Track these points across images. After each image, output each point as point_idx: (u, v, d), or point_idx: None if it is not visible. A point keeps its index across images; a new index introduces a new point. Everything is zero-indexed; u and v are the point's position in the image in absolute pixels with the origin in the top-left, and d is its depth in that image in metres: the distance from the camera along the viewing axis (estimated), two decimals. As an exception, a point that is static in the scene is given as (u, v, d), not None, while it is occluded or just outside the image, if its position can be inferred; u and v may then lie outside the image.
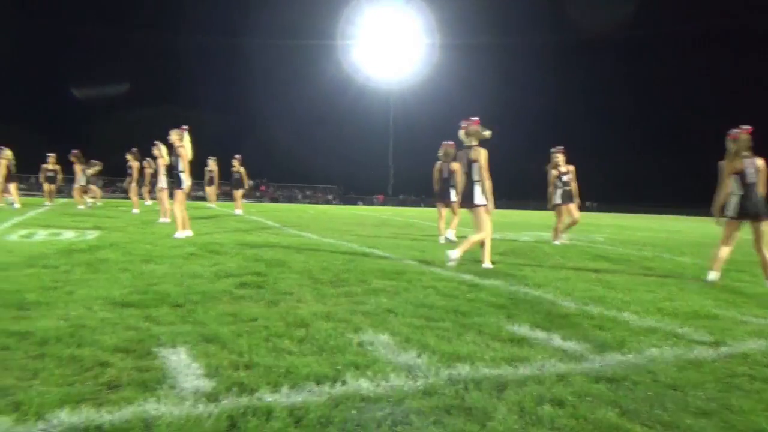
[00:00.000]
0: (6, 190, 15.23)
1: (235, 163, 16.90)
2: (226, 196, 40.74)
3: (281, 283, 4.38)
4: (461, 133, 6.07)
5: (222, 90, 58.72)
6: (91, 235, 7.57)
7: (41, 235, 7.35)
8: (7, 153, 14.95)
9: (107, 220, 10.76)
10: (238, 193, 17.06)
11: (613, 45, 57.17)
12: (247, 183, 17.68)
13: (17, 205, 14.43)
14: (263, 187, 49.91)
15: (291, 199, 49.27)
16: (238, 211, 16.17)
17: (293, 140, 57.45)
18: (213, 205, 19.55)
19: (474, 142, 5.98)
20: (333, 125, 56.84)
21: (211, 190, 19.99)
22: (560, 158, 9.18)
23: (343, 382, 2.23)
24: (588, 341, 3.02)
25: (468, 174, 6.02)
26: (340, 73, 52.93)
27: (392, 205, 47.41)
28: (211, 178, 19.31)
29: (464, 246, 5.89)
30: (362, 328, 3.06)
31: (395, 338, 2.88)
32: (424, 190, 56.27)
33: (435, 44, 51.43)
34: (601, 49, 56.15)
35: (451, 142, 8.43)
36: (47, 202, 17.35)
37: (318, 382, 2.22)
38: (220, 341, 2.70)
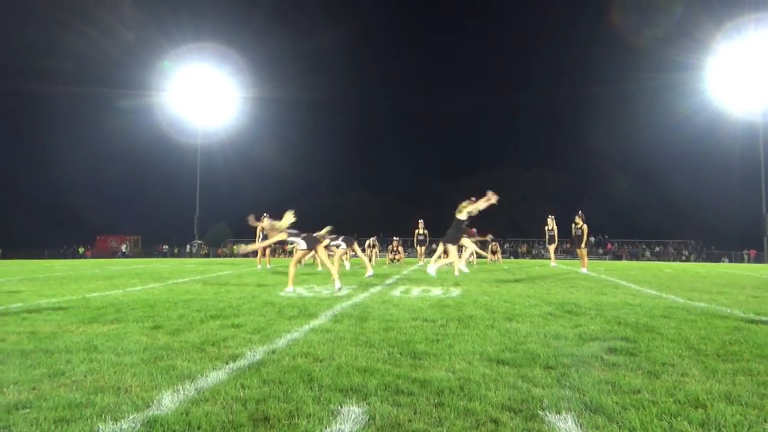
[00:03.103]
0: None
1: (578, 220, 16.57)
2: (566, 253, 40.32)
3: (656, 351, 3.96)
4: None
5: (557, 146, 59.60)
6: (455, 292, 8.34)
7: (416, 291, 8.46)
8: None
9: (464, 277, 11.75)
10: (583, 251, 16.58)
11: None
12: (586, 240, 17.07)
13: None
14: (609, 245, 47.53)
15: (637, 257, 45.49)
16: (584, 270, 15.67)
17: (636, 191, 53.70)
18: (554, 264, 19.47)
19: None
20: (686, 170, 51.01)
21: (551, 248, 20.02)
22: None
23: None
24: None
25: None
26: (692, 109, 47.46)
27: (771, 262, 39.04)
28: (552, 236, 19.37)
29: None
30: (782, 419, 2.48)
31: (839, 439, 2.25)
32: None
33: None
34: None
35: None
36: (420, 262, 20.23)
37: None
38: (606, 413, 2.55)
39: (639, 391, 2.91)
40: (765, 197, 43.56)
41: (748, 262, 42.07)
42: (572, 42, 58.88)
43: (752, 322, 5.55)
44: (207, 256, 45.97)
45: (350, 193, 62.95)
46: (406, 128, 66.92)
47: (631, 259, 42.80)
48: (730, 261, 42.77)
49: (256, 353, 3.84)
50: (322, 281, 10.52)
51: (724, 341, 4.40)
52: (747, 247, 45.46)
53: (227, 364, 3.54)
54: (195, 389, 2.95)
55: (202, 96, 49.31)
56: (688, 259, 43.75)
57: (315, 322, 5.23)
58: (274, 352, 3.88)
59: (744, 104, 43.96)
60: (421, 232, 20.65)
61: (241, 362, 3.57)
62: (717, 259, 43.39)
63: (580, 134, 60.11)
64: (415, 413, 2.57)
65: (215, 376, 3.23)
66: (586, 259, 16.62)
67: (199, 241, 50.60)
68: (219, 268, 17.99)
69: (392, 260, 21.29)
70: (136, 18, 53.90)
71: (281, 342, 4.25)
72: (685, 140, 49.73)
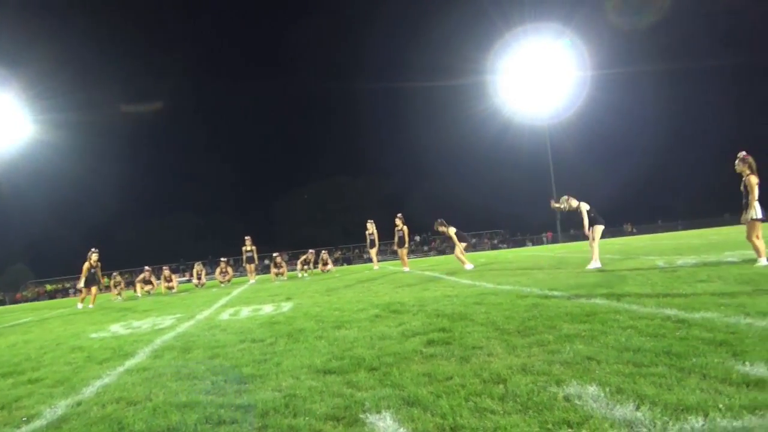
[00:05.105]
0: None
1: (398, 221, 17.48)
2: (393, 254, 42.33)
3: (468, 337, 4.32)
4: None
5: (384, 151, 62.28)
6: (287, 306, 8.27)
7: (246, 312, 8.20)
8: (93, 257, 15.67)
9: (297, 290, 11.71)
10: (403, 251, 17.53)
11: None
12: (408, 240, 18.05)
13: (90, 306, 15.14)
14: (433, 242, 50.84)
15: (458, 249, 49.40)
16: (406, 269, 16.58)
17: (453, 189, 58.29)
18: (377, 267, 20.31)
19: None
20: (491, 167, 56.72)
21: (373, 252, 20.83)
22: None
23: (558, 443, 2.09)
24: None
25: None
26: (490, 113, 52.98)
27: (564, 242, 45.17)
28: (372, 240, 20.21)
29: None
30: (564, 380, 2.86)
31: (604, 389, 2.64)
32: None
33: (588, 75, 49.70)
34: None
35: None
36: (252, 280, 19.71)
37: (530, 444, 2.10)
38: (421, 404, 2.71)
39: (451, 378, 3.13)
40: (554, 186, 50.48)
41: (547, 243, 48.19)
42: (382, 42, 61.44)
43: (547, 297, 6.34)
44: (2, 303, 39.81)
45: (172, 216, 59.06)
46: (230, 143, 64.48)
47: (453, 253, 46.39)
48: (533, 244, 48.61)
49: (57, 409, 3.39)
50: (141, 316, 9.71)
51: (524, 318, 4.95)
52: (545, 231, 52.16)
53: (19, 428, 3.08)
54: (-26, 466, 2.52)
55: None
56: (499, 246, 48.69)
57: (131, 362, 4.80)
58: (79, 404, 3.47)
59: (534, 106, 50.36)
60: (248, 248, 20.14)
61: (38, 423, 3.14)
62: (522, 244, 49.09)
63: (398, 138, 63.33)
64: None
65: (2, 445, 2.79)
66: (406, 258, 17.60)
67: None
68: (17, 315, 15.70)
69: (222, 281, 20.48)
70: None
71: (89, 391, 3.81)
72: (487, 138, 55.35)
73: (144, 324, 8.01)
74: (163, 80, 58.51)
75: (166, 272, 20.27)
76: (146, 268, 20.62)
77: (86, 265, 15.52)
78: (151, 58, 58.39)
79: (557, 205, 11.50)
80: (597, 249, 10.62)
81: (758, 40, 50.85)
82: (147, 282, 20.05)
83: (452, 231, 14.47)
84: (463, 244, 14.72)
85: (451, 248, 46.32)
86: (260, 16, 64.52)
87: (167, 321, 8.01)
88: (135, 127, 56.34)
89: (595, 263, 10.30)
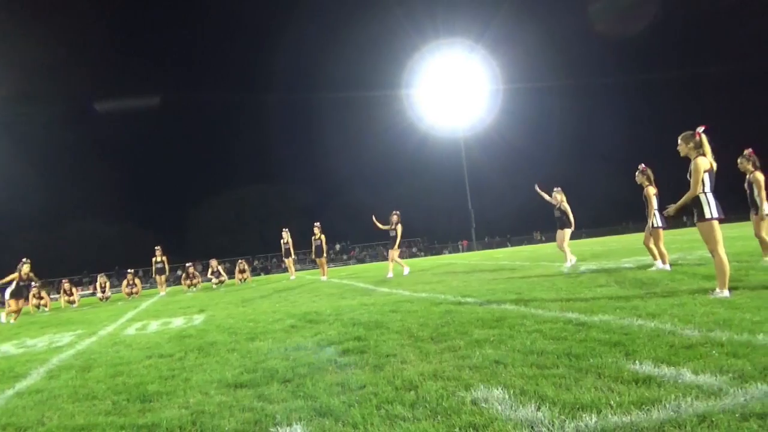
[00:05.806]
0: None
1: (316, 230, 17.40)
2: (312, 263, 42.00)
3: (382, 345, 4.35)
4: None
5: (301, 160, 61.61)
6: (198, 319, 7.97)
7: (154, 325, 7.82)
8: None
9: (210, 302, 11.32)
10: (322, 260, 17.46)
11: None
12: (326, 249, 17.92)
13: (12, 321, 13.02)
14: (353, 251, 50.88)
15: (377, 258, 49.74)
16: (324, 278, 16.53)
17: (371, 199, 58.68)
18: (293, 277, 20.08)
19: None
20: (408, 178, 57.70)
21: (289, 262, 20.57)
22: None
23: (464, 446, 2.14)
24: (723, 372, 2.75)
25: None
26: (406, 125, 54.07)
27: (478, 249, 46.75)
28: (288, 249, 19.96)
29: None
30: (473, 385, 2.95)
31: (509, 392, 2.75)
32: (509, 229, 55.44)
33: (499, 89, 51.97)
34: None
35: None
36: (162, 293, 18.80)
37: (438, 449, 2.14)
38: (333, 414, 2.69)
39: (364, 386, 3.14)
40: (469, 196, 52.21)
41: (463, 251, 49.60)
42: (296, 53, 60.71)
43: (460, 304, 6.52)
44: None
45: (75, 224, 55.06)
46: (141, 148, 61.04)
47: (372, 261, 46.64)
48: (450, 252, 49.88)
49: (-69, 440, 3.07)
50: (36, 334, 9.00)
51: (437, 324, 5.06)
52: (461, 239, 53.70)
53: None
54: None
55: None
56: (417, 255, 49.54)
57: (23, 384, 4.43)
58: (-41, 432, 3.16)
59: (449, 118, 51.92)
60: (159, 259, 19.27)
61: None
62: (440, 252, 50.25)
63: (315, 148, 62.88)
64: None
65: None
66: (326, 267, 17.54)
67: None
68: None
69: (129, 294, 19.46)
70: None
71: (-29, 417, 3.48)
72: (404, 149, 56.37)
73: (39, 342, 7.43)
74: (67, 80, 54.38)
75: (66, 285, 18.92)
76: (33, 284, 18.79)
77: (14, 276, 13.58)
78: (53, 57, 54.39)
79: (547, 197, 12.28)
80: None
81: (656, 58, 55.55)
82: (38, 297, 18.46)
83: (400, 230, 14.56)
84: (398, 250, 14.85)
85: (372, 257, 46.44)
86: (173, 24, 61.90)
87: (66, 338, 7.48)
88: (31, 127, 52.04)
89: (571, 260, 11.63)
